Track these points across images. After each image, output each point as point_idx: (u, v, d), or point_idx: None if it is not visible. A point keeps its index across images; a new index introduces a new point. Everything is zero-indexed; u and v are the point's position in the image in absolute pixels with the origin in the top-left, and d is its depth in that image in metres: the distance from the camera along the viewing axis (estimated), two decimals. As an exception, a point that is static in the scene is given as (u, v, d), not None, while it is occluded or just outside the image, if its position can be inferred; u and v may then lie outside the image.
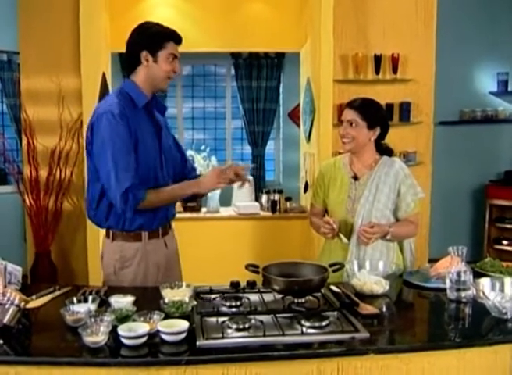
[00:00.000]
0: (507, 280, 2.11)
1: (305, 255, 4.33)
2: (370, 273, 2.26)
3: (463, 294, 2.06)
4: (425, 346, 1.77)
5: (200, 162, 4.74)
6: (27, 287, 2.23)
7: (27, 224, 4.38)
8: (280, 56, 6.75)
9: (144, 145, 2.31)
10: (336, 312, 1.91)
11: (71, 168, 4.33)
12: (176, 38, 2.36)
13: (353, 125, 2.55)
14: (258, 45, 5.04)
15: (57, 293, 2.18)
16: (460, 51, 5.92)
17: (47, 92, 4.29)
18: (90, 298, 1.94)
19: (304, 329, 1.76)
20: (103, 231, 3.98)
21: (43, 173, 4.31)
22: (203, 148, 4.88)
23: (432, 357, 1.74)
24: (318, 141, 4.26)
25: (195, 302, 1.95)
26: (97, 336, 1.65)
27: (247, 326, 1.76)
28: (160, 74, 2.34)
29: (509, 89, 6.12)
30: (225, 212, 4.72)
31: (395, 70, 4.74)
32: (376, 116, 2.60)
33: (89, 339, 1.63)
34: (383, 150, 2.66)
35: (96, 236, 3.94)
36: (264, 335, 1.70)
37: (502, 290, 2.05)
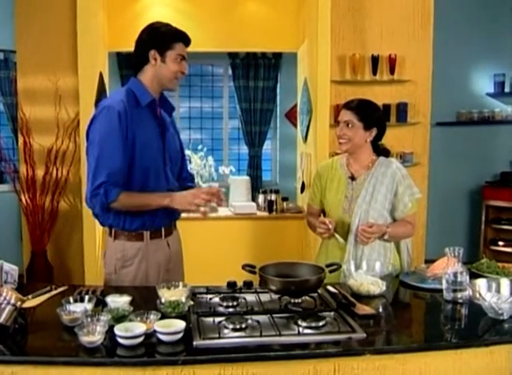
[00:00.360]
0: (503, 281, 2.12)
1: (302, 256, 4.33)
2: (367, 273, 2.26)
3: (459, 294, 2.06)
4: (422, 347, 1.77)
5: (197, 161, 4.74)
6: (23, 287, 2.23)
7: (23, 223, 4.38)
8: (277, 56, 6.74)
9: (145, 144, 2.31)
10: (332, 313, 1.91)
11: (67, 167, 4.33)
12: (186, 39, 2.36)
13: (350, 126, 2.56)
14: (256, 45, 5.04)
15: (53, 292, 2.17)
16: (457, 53, 5.94)
17: (44, 91, 4.29)
18: (86, 297, 1.94)
19: (301, 329, 1.76)
20: (100, 231, 3.99)
21: (39, 172, 4.31)
22: (200, 147, 4.89)
23: (429, 357, 1.74)
24: (314, 141, 4.26)
25: (192, 302, 1.95)
26: (93, 336, 1.64)
27: (243, 326, 1.76)
28: (167, 74, 2.34)
29: (506, 90, 6.14)
30: (221, 212, 4.71)
31: (392, 71, 4.75)
32: (373, 117, 2.60)
33: (85, 339, 1.63)
34: (380, 151, 2.67)
35: (92, 235, 3.94)
36: (261, 335, 1.70)
37: (498, 291, 2.05)
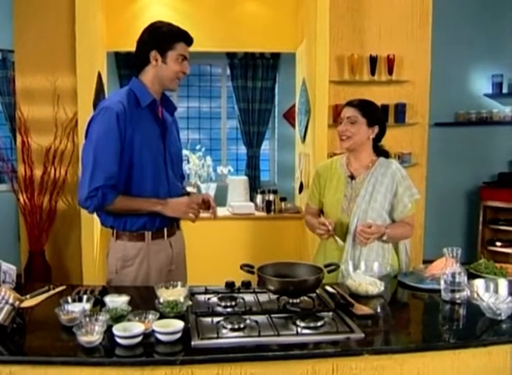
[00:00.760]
0: (501, 281, 2.12)
1: (300, 256, 4.33)
2: (365, 273, 2.26)
3: (457, 295, 2.07)
4: (420, 347, 1.77)
5: (196, 161, 4.74)
6: (21, 287, 2.22)
7: (21, 223, 4.37)
8: (276, 56, 6.75)
9: (145, 145, 2.30)
10: (330, 313, 1.91)
11: (66, 167, 4.32)
12: (187, 39, 2.36)
13: (354, 121, 2.56)
14: (254, 45, 5.04)
15: (51, 292, 2.17)
16: (455, 53, 5.94)
17: (42, 91, 4.28)
18: (84, 297, 1.93)
19: (299, 329, 1.76)
20: (98, 231, 3.98)
21: (37, 172, 4.30)
22: (198, 147, 4.88)
23: (427, 358, 1.75)
24: (313, 141, 4.26)
25: (190, 302, 1.95)
26: (91, 335, 1.64)
27: (242, 326, 1.76)
28: (168, 74, 2.34)
29: (503, 91, 6.15)
30: (219, 212, 4.70)
31: (390, 71, 4.75)
32: (375, 114, 2.62)
33: (84, 339, 1.63)
34: (380, 152, 2.67)
35: (90, 235, 3.93)
36: (259, 335, 1.70)
37: (496, 291, 2.06)
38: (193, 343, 1.65)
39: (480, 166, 6.25)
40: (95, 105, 3.83)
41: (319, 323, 1.79)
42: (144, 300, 2.04)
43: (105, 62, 4.73)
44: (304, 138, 4.65)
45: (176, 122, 2.59)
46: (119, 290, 2.13)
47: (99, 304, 1.94)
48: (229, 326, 1.75)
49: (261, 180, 7.05)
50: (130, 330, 1.66)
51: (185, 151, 4.66)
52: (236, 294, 2.08)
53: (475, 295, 1.98)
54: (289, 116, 6.87)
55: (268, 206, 4.66)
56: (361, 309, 1.96)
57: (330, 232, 2.50)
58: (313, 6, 4.19)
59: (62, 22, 4.19)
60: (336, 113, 4.46)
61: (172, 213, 2.36)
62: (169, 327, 1.68)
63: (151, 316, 1.79)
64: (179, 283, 2.09)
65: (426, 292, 2.24)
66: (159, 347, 1.65)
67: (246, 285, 2.16)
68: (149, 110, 2.36)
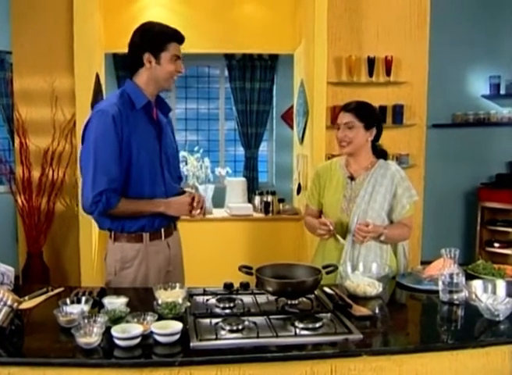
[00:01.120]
0: (499, 282, 2.13)
1: (298, 257, 4.33)
2: (363, 274, 2.27)
3: (455, 296, 2.07)
4: (418, 348, 1.77)
5: (194, 163, 4.74)
6: (19, 288, 2.23)
7: (19, 225, 4.36)
8: (274, 58, 6.75)
9: (141, 147, 2.30)
10: (329, 314, 1.91)
11: (64, 169, 4.31)
12: (179, 38, 2.35)
13: (351, 127, 2.56)
14: (252, 47, 5.04)
15: (50, 294, 2.17)
16: (453, 55, 5.95)
17: (40, 92, 4.27)
18: (83, 298, 1.93)
19: (298, 330, 1.76)
20: (96, 232, 3.98)
21: (35, 174, 4.29)
22: (196, 149, 4.88)
23: (425, 359, 1.75)
24: (311, 142, 4.27)
25: (188, 304, 1.95)
26: (90, 337, 1.64)
27: (240, 327, 1.76)
28: (163, 75, 2.33)
29: (501, 92, 6.15)
30: (218, 213, 4.71)
31: (388, 73, 4.75)
32: (372, 116, 2.62)
33: (82, 340, 1.63)
34: (378, 152, 2.67)
35: (88, 237, 3.93)
36: (258, 336, 1.70)
37: (494, 292, 2.06)
38: (191, 344, 1.65)
39: (478, 167, 6.26)
40: (93, 107, 3.82)
41: (317, 324, 1.79)
42: (142, 301, 2.04)
43: (103, 64, 4.73)
44: (301, 140, 4.65)
45: (170, 123, 2.59)
46: (117, 291, 2.13)
47: (97, 305, 1.94)
48: (228, 328, 1.76)
49: (259, 182, 7.05)
50: (129, 331, 1.66)
51: (183, 153, 4.66)
52: (234, 296, 2.08)
53: (473, 296, 1.99)
54: (287, 118, 6.87)
55: (266, 207, 4.66)
56: (360, 310, 1.96)
57: (331, 232, 2.50)
58: (311, 7, 4.19)
59: (60, 23, 4.18)
60: (333, 115, 4.45)
61: (175, 212, 2.38)
62: (168, 329, 1.68)
63: (149, 318, 1.79)
64: (178, 284, 2.10)
65: (424, 293, 2.25)
66: (158, 348, 1.65)
67: (244, 286, 2.16)
68: (144, 112, 2.36)
